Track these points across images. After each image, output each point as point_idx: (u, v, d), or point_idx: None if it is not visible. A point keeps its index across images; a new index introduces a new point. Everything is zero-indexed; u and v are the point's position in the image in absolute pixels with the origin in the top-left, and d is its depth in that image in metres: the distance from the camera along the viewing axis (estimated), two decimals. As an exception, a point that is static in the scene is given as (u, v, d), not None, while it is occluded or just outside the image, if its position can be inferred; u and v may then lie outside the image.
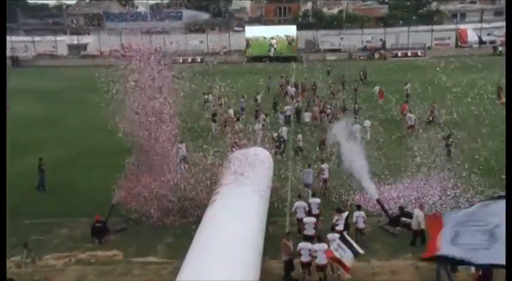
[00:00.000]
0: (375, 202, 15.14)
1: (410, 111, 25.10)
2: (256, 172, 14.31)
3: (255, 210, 12.61)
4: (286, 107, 27.27)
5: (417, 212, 13.48)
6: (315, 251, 11.72)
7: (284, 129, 22.90)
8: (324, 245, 11.77)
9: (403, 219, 14.25)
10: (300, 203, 14.43)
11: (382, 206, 14.86)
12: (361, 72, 36.98)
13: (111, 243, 14.07)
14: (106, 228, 14.35)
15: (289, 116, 26.55)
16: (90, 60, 50.83)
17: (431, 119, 24.86)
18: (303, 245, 11.97)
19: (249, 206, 12.55)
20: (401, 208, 14.72)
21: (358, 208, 14.19)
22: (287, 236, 12.20)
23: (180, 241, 13.51)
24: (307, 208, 14.28)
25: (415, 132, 22.73)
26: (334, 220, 13.26)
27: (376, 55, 51.45)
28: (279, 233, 13.50)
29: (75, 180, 18.92)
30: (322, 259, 11.64)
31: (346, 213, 13.60)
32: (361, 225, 13.66)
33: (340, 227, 12.85)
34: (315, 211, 14.38)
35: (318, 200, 14.85)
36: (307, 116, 25.89)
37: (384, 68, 42.81)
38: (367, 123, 23.61)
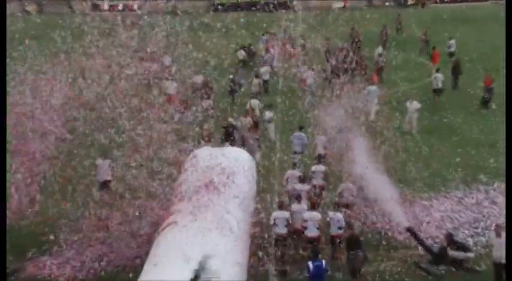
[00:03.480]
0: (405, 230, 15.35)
1: (438, 71, 26.73)
2: (233, 186, 14.27)
3: (228, 245, 12.22)
4: (263, 69, 28.92)
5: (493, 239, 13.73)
6: (306, 221, 14.78)
7: (255, 104, 24.11)
8: (317, 215, 14.85)
9: (452, 253, 14.26)
10: (292, 173, 17.34)
11: (417, 237, 15.04)
12: (397, 24, 38.03)
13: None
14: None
15: (267, 81, 28.61)
16: None
17: (486, 97, 25.54)
18: (279, 214, 14.94)
19: (220, 239, 12.14)
20: (449, 236, 14.77)
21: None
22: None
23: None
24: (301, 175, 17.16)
25: (441, 98, 24.91)
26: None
27: (410, 0, 51.95)
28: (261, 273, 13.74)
29: None
30: (313, 230, 14.67)
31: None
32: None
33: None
34: (319, 182, 17.13)
35: (322, 167, 17.49)
36: (310, 76, 27.03)
37: (422, 19, 43.45)
38: (415, 105, 23.83)
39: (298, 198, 15.82)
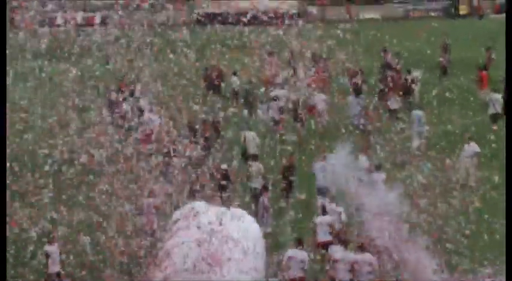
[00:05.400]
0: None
1: (495, 90, 28.21)
2: (240, 261, 14.70)
3: None
4: (276, 92, 29.61)
5: None
6: (335, 262, 16.49)
7: (250, 137, 24.74)
8: (369, 256, 16.30)
9: None
10: (322, 220, 18.72)
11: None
12: (443, 46, 37.62)
13: None
14: None
15: (281, 108, 29.27)
16: None
17: None
18: (294, 253, 16.65)
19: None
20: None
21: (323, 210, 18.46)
22: None
23: None
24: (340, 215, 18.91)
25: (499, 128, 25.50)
26: None
27: (463, 8, 52.15)
28: None
29: None
30: (341, 273, 16.24)
31: None
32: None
33: None
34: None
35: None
36: (321, 101, 28.63)
37: (480, 33, 43.19)
38: (474, 148, 23.81)
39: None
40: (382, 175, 20.77)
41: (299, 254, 16.59)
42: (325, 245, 17.85)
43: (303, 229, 19.36)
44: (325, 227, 18.31)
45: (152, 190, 18.77)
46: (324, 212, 18.91)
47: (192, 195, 19.01)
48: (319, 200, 20.08)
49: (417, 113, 26.97)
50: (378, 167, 21.21)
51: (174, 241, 15.13)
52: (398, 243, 16.90)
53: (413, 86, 31.39)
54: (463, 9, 51.99)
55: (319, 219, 18.71)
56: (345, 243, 17.22)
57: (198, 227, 15.27)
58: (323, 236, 18.22)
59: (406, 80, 31.41)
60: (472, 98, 31.25)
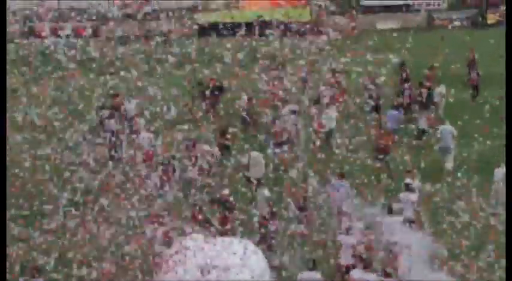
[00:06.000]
0: None
1: None
2: None
3: None
4: (288, 107, 28.93)
5: None
6: None
7: (256, 158, 24.40)
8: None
9: None
10: (345, 239, 19.02)
11: None
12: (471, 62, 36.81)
13: None
14: None
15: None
16: None
17: None
18: (307, 275, 17.38)
19: None
20: None
21: None
22: None
23: None
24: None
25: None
26: None
27: (491, 17, 51.65)
28: None
29: None
30: None
31: None
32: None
33: None
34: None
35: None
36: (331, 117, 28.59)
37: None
38: (503, 171, 23.05)
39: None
40: (413, 196, 21.47)
41: (312, 276, 17.24)
42: (347, 269, 18.26)
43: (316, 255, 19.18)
44: (349, 249, 18.56)
45: (152, 215, 18.63)
46: (350, 232, 19.23)
47: (192, 223, 18.72)
48: (344, 220, 20.30)
49: (446, 128, 27.62)
50: (411, 189, 21.81)
51: (172, 277, 15.26)
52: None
53: (435, 100, 32.05)
54: (491, 19, 51.22)
55: (344, 239, 19.08)
56: (367, 265, 17.61)
57: (197, 263, 15.37)
58: (346, 259, 18.56)
59: (420, 93, 32.25)
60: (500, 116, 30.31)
